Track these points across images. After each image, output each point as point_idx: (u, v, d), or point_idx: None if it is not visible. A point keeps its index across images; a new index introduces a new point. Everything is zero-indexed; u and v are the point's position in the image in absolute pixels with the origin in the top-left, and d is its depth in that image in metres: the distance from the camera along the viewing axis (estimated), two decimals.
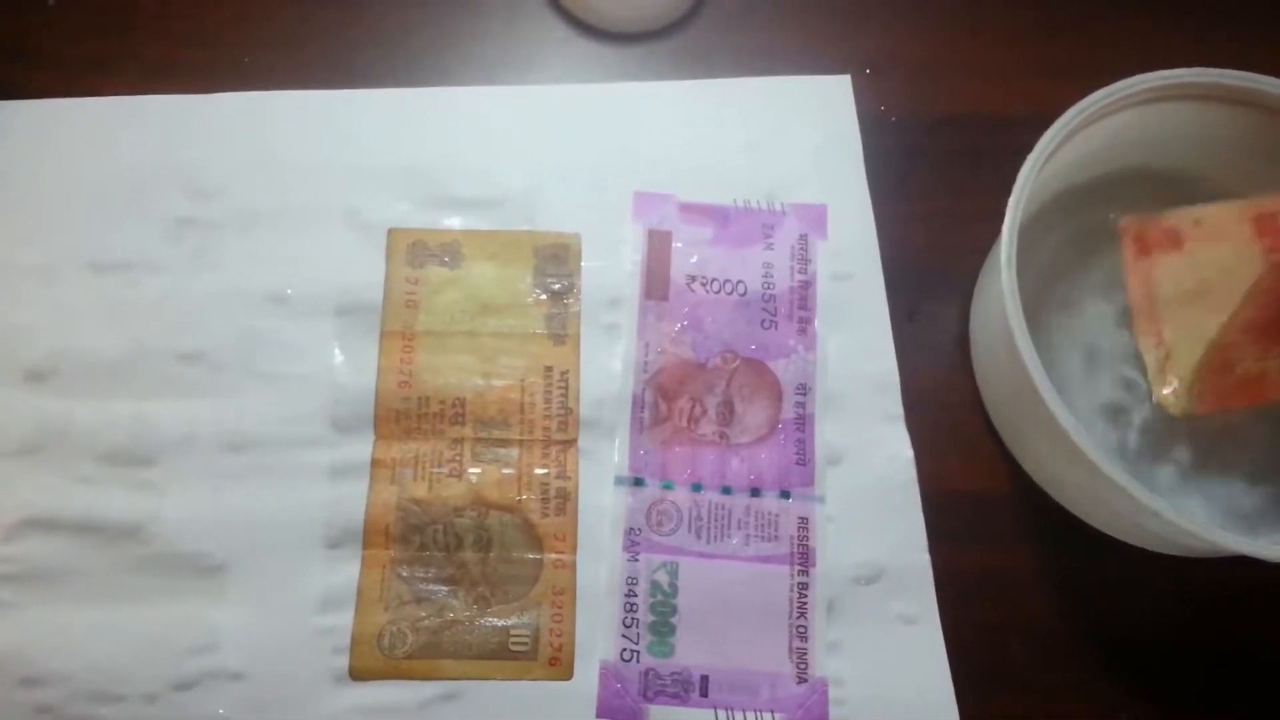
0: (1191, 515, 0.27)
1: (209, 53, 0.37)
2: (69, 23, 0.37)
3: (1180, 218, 0.32)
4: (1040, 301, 0.34)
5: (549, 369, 0.33)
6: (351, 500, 0.31)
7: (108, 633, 0.29)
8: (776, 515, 0.32)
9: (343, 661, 0.29)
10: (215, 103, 0.36)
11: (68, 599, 0.30)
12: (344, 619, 0.30)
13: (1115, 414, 0.33)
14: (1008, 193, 0.31)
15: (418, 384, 0.32)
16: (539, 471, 0.32)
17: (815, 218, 0.35)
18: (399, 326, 0.33)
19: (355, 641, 0.29)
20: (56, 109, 0.35)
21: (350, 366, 0.32)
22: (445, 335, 0.33)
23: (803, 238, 0.35)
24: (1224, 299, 0.31)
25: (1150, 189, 0.34)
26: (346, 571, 0.30)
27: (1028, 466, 0.33)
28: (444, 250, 0.34)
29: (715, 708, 0.30)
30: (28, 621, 0.29)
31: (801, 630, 0.31)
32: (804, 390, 0.33)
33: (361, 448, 0.32)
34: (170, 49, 0.37)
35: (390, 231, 0.34)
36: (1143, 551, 0.32)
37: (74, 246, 0.33)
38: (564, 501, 0.31)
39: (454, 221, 0.35)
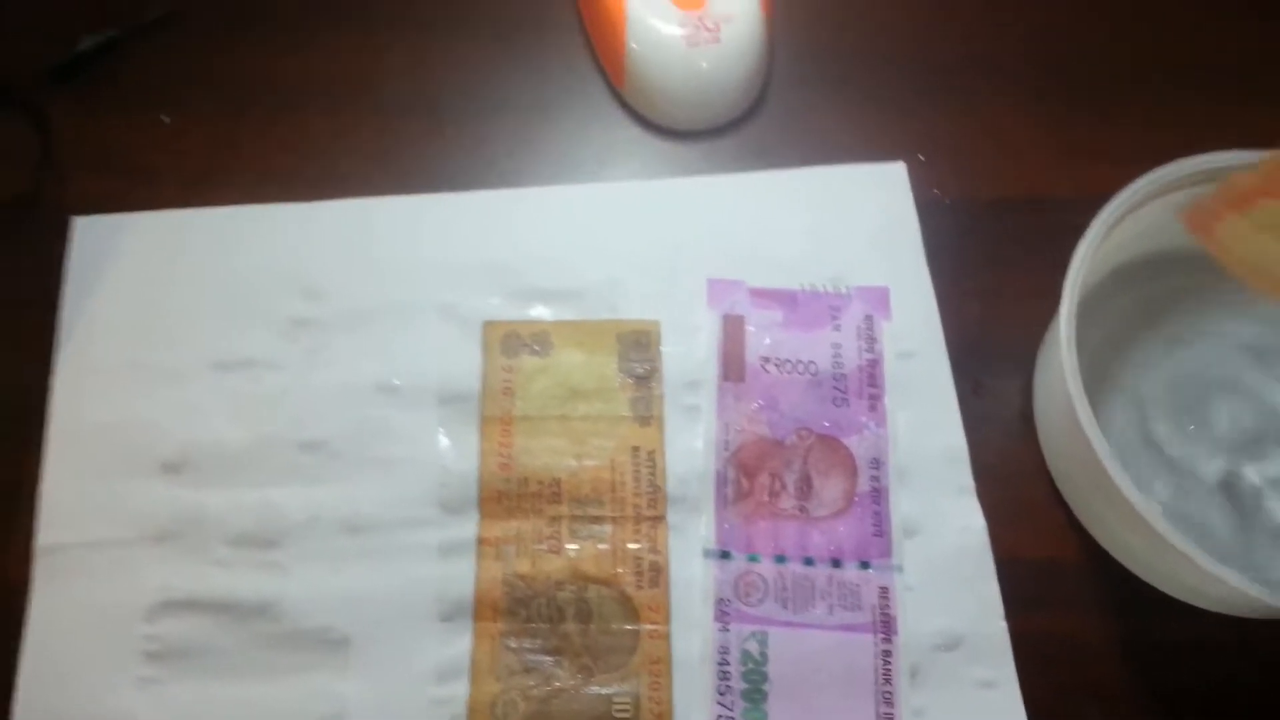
0: (1252, 581, 0.29)
1: (309, 164, 0.41)
2: (183, 139, 0.41)
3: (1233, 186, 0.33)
4: (1105, 368, 0.36)
5: (636, 449, 0.36)
6: (460, 576, 0.34)
7: (246, 706, 0.32)
8: (858, 585, 0.34)
9: None
10: (320, 210, 0.40)
11: (208, 675, 0.33)
12: (458, 689, 0.33)
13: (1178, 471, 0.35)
14: (1062, 269, 0.34)
15: (517, 466, 0.36)
16: (631, 546, 0.35)
17: (878, 299, 0.38)
18: (497, 412, 0.36)
19: (471, 710, 0.32)
20: (177, 219, 0.39)
21: (454, 451, 0.36)
22: (539, 420, 0.36)
23: (868, 318, 0.38)
24: None
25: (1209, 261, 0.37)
26: (459, 644, 0.33)
27: (1095, 533, 0.35)
28: (534, 340, 0.38)
29: None
30: (172, 696, 0.33)
31: (887, 695, 0.33)
32: (877, 464, 0.36)
33: (467, 527, 0.35)
34: (274, 161, 0.41)
35: (485, 324, 0.38)
36: (1212, 614, 0.34)
37: (199, 347, 0.37)
38: (656, 574, 0.34)
39: (541, 312, 0.38)
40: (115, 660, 0.33)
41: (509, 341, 0.38)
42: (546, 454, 0.36)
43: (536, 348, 0.38)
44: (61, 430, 0.36)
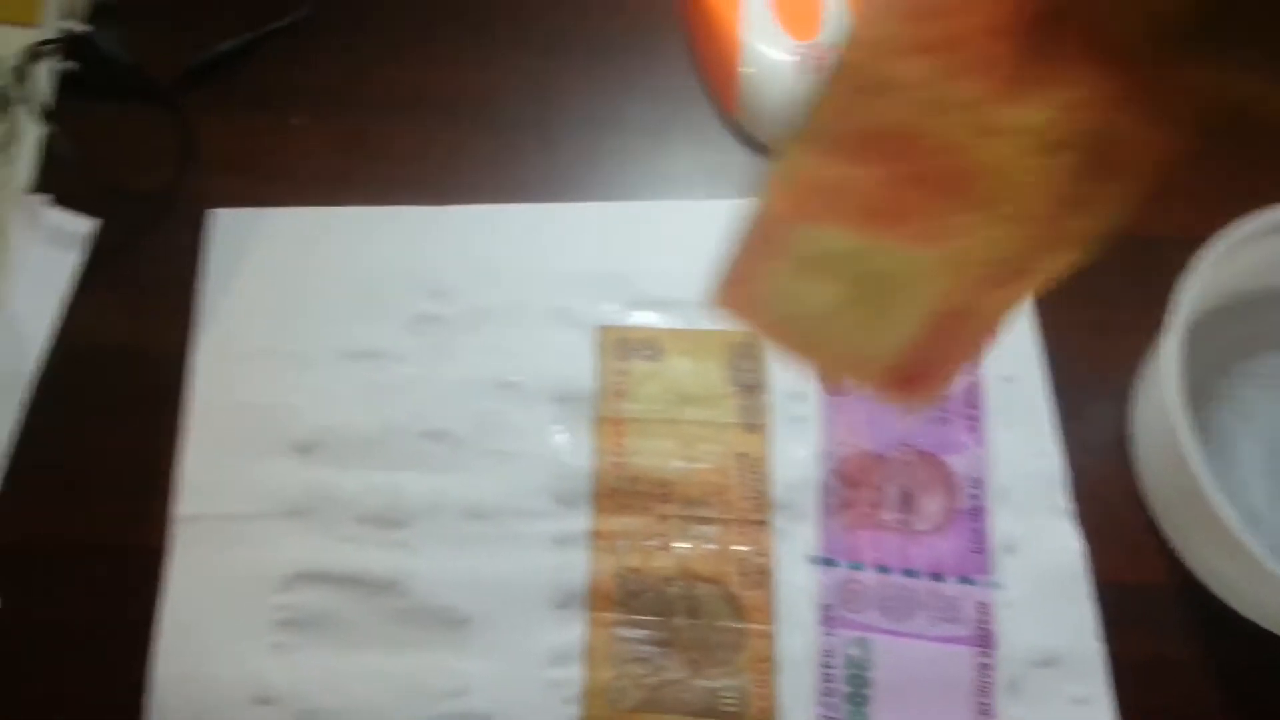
0: None
1: (430, 171, 0.43)
2: (311, 141, 0.44)
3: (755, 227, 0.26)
4: (1203, 400, 0.37)
5: (742, 455, 0.38)
6: (573, 566, 0.36)
7: (373, 675, 0.34)
8: (957, 599, 0.35)
9: (573, 711, 0.34)
10: (446, 214, 0.42)
11: (337, 645, 0.35)
12: (572, 673, 0.34)
13: None
14: (1160, 306, 0.35)
15: (629, 465, 0.37)
16: (737, 548, 0.36)
17: None
18: (610, 413, 0.38)
19: (588, 693, 0.34)
20: (311, 216, 0.42)
21: (569, 447, 0.38)
22: (650, 422, 0.38)
23: None
24: None
25: None
26: (572, 630, 0.35)
27: (1190, 560, 0.36)
28: (645, 345, 0.40)
29: None
30: (303, 662, 0.34)
31: (985, 706, 0.34)
32: (977, 484, 0.37)
33: (580, 520, 0.37)
34: (396, 168, 0.43)
35: (600, 329, 0.40)
36: None
37: (330, 337, 0.40)
38: (762, 577, 0.36)
39: (652, 319, 0.40)
40: (249, 627, 0.35)
41: (621, 346, 0.40)
42: (656, 455, 0.38)
43: (648, 353, 0.40)
44: (201, 408, 0.39)
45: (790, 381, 0.39)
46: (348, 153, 0.44)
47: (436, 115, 0.45)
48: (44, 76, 0.41)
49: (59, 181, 0.42)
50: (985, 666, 0.34)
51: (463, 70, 0.46)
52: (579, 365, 0.39)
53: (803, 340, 0.24)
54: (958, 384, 0.38)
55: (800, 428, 0.38)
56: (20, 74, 0.41)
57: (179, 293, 0.41)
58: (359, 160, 0.44)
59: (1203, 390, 0.38)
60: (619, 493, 0.37)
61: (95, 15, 0.45)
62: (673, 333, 0.40)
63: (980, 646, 0.35)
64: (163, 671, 0.35)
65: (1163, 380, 0.34)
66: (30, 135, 0.41)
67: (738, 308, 0.25)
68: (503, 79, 0.45)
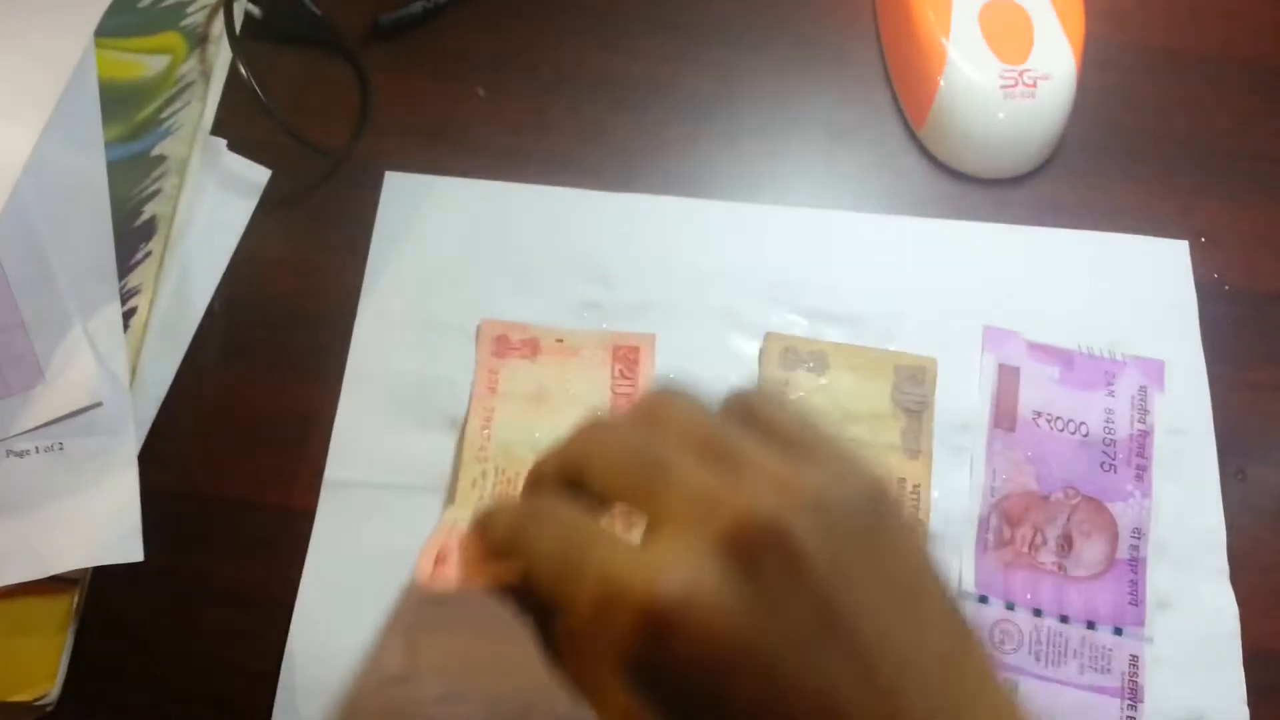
0: None
1: (609, 156, 0.43)
2: (494, 115, 0.44)
3: None
4: None
5: (902, 480, 0.38)
6: None
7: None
8: (1110, 650, 0.35)
9: None
10: (618, 201, 0.42)
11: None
12: None
13: None
14: None
15: None
16: None
17: (1154, 372, 0.39)
18: None
19: None
20: (485, 189, 0.42)
21: None
22: None
23: (1142, 389, 0.39)
24: None
25: None
26: None
27: None
28: (812, 358, 0.40)
29: None
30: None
31: None
32: (1139, 534, 0.37)
33: None
34: (576, 149, 0.43)
35: (768, 335, 0.40)
36: None
37: (494, 312, 0.40)
38: None
39: (821, 332, 0.40)
40: (390, 599, 0.36)
41: (787, 356, 0.40)
42: None
43: (812, 365, 0.40)
44: (358, 373, 0.39)
45: (956, 411, 0.39)
46: (526, 128, 0.44)
47: (619, 99, 0.45)
48: (236, 18, 0.41)
49: (238, 127, 0.42)
50: (1132, 719, 0.35)
51: (649, 56, 0.46)
52: (740, 370, 0.39)
53: None
54: (1128, 431, 0.38)
55: (962, 459, 0.38)
56: (214, 13, 0.41)
57: (347, 251, 0.41)
58: (536, 136, 0.44)
59: None
60: None
61: None
62: (840, 347, 0.40)
63: (1129, 699, 0.35)
64: (298, 639, 0.35)
65: None
66: (219, 76, 0.42)
67: None
68: (689, 69, 0.45)
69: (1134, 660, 0.35)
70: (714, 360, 0.39)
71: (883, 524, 0.20)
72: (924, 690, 0.19)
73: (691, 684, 0.19)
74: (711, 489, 0.20)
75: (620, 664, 0.19)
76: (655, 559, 0.19)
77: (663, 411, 0.23)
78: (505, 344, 0.40)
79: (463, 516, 0.35)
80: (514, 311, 0.40)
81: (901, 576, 0.20)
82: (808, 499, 0.19)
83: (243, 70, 0.39)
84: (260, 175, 0.41)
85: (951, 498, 0.38)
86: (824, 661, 0.19)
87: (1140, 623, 0.36)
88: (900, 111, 0.44)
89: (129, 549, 0.34)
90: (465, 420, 0.38)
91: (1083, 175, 0.44)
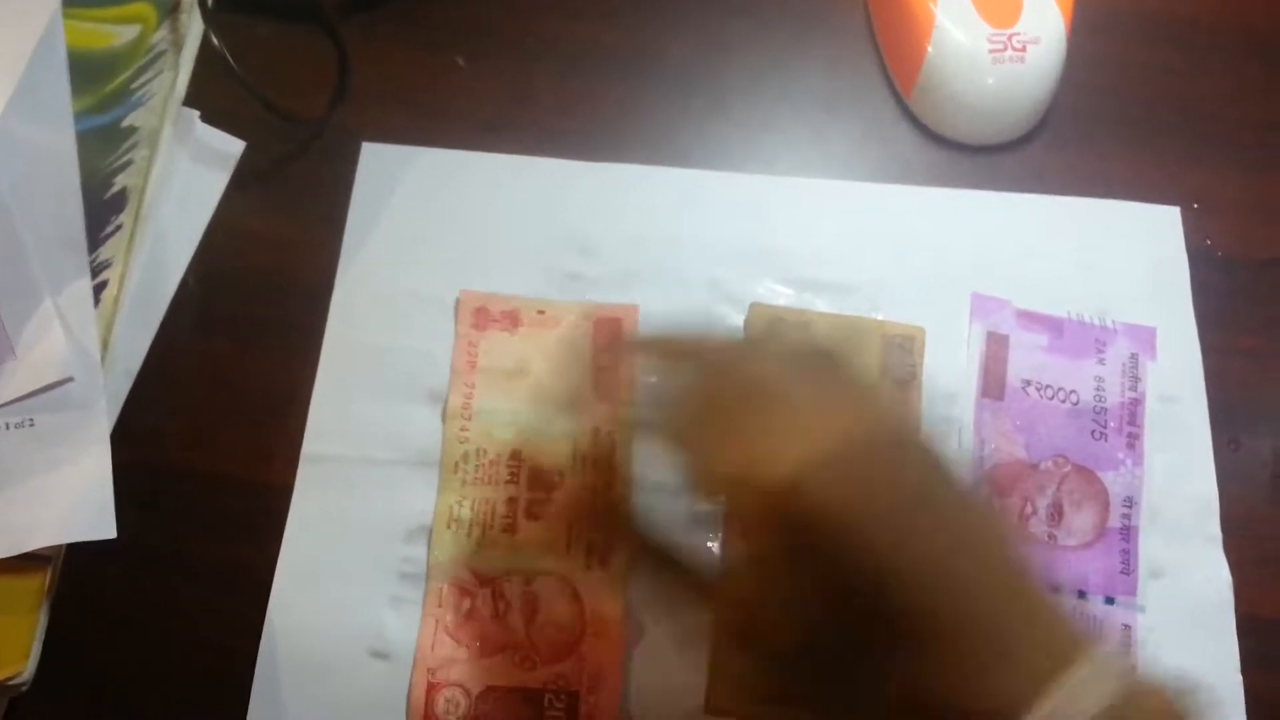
0: None
1: (594, 127, 0.43)
2: (476, 85, 0.43)
3: None
4: None
5: None
6: (708, 550, 0.36)
7: None
8: (1101, 619, 0.35)
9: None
10: (602, 171, 0.41)
11: None
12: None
13: None
14: None
15: None
16: None
17: (1145, 339, 0.39)
18: None
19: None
20: (465, 160, 0.42)
21: None
22: None
23: (1133, 356, 0.39)
24: None
25: None
26: None
27: None
28: (798, 328, 0.39)
29: None
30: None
31: None
32: (1130, 503, 0.37)
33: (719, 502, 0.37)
34: (561, 120, 0.43)
35: (752, 305, 0.39)
36: None
37: (473, 285, 0.39)
38: None
39: (808, 302, 0.40)
40: (370, 575, 0.36)
41: (774, 326, 0.39)
42: None
43: (799, 334, 0.39)
44: (335, 347, 0.39)
45: (944, 381, 0.39)
46: (509, 99, 0.44)
47: (604, 68, 0.44)
48: None
49: (211, 97, 0.41)
50: None
51: (636, 25, 0.45)
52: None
53: None
54: (1119, 398, 0.38)
55: (951, 428, 0.38)
56: None
57: (324, 224, 0.41)
58: (520, 107, 0.43)
59: None
60: None
61: None
62: (826, 317, 0.39)
63: None
64: (277, 616, 0.35)
65: None
66: (191, 45, 0.41)
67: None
68: (676, 37, 0.45)
69: (1126, 629, 0.35)
70: (699, 329, 0.39)
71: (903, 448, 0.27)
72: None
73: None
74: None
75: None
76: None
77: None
78: (485, 316, 0.39)
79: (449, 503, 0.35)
80: (494, 283, 0.40)
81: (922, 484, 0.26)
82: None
83: (215, 40, 0.39)
84: (235, 147, 0.41)
85: None
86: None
87: (1132, 592, 0.36)
88: (889, 79, 0.44)
89: (101, 526, 0.33)
90: (446, 399, 0.38)
91: (1073, 141, 0.43)
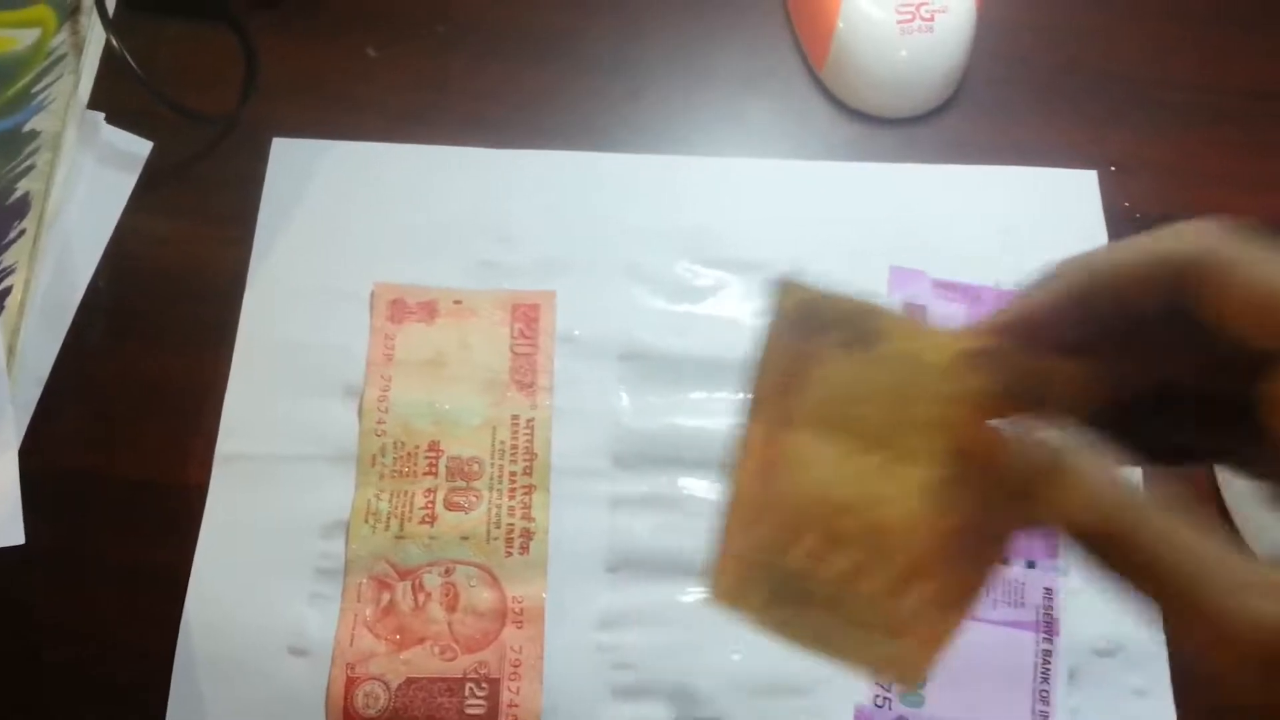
0: None
1: (513, 113, 0.43)
2: (389, 76, 0.44)
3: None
4: None
5: None
6: (630, 530, 0.36)
7: None
8: (1023, 584, 0.36)
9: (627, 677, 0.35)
10: (519, 158, 0.42)
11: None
12: (623, 637, 0.35)
13: None
14: None
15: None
16: None
17: None
18: None
19: None
20: (378, 151, 0.42)
21: (632, 408, 0.38)
22: None
23: None
24: None
25: None
26: (624, 594, 0.36)
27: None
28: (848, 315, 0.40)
29: None
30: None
31: (1044, 694, 0.35)
32: None
33: (639, 484, 0.37)
34: (478, 107, 0.43)
35: (672, 286, 0.40)
36: None
37: (388, 278, 0.40)
38: None
39: (727, 279, 0.40)
40: (287, 572, 0.36)
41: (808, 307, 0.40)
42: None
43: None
44: (248, 345, 0.39)
45: None
46: (423, 88, 0.44)
47: (520, 56, 0.45)
48: None
49: (118, 99, 0.42)
50: (1047, 653, 0.35)
51: (551, 9, 0.46)
52: (646, 323, 0.39)
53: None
54: None
55: None
56: None
57: (235, 221, 0.41)
58: (435, 96, 0.44)
59: None
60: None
61: None
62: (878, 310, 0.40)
63: (1043, 633, 0.35)
64: (194, 616, 0.35)
65: None
66: (94, 48, 0.41)
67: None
68: (592, 22, 0.45)
69: (1048, 594, 0.36)
70: (618, 314, 0.39)
71: None
72: None
73: None
74: None
75: None
76: None
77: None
78: (401, 308, 0.40)
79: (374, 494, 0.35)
80: (411, 275, 0.40)
81: None
82: None
83: (114, 41, 0.39)
84: (142, 147, 0.41)
85: None
86: None
87: (1053, 555, 0.36)
88: (804, 56, 0.45)
89: (9, 532, 0.34)
90: (362, 393, 0.38)
91: (989, 110, 0.44)
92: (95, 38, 0.41)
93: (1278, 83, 0.45)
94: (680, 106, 0.44)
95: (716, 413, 0.38)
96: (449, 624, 0.35)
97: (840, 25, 0.41)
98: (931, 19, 0.41)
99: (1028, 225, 0.41)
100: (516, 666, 0.35)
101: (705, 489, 0.37)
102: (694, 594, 0.36)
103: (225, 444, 0.37)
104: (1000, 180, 0.42)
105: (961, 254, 0.41)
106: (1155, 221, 0.40)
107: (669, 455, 0.37)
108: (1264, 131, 0.44)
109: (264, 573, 0.36)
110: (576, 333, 0.39)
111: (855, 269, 0.40)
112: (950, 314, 0.39)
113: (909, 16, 0.41)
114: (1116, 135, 0.43)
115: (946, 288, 0.40)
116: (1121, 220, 0.42)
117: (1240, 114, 0.44)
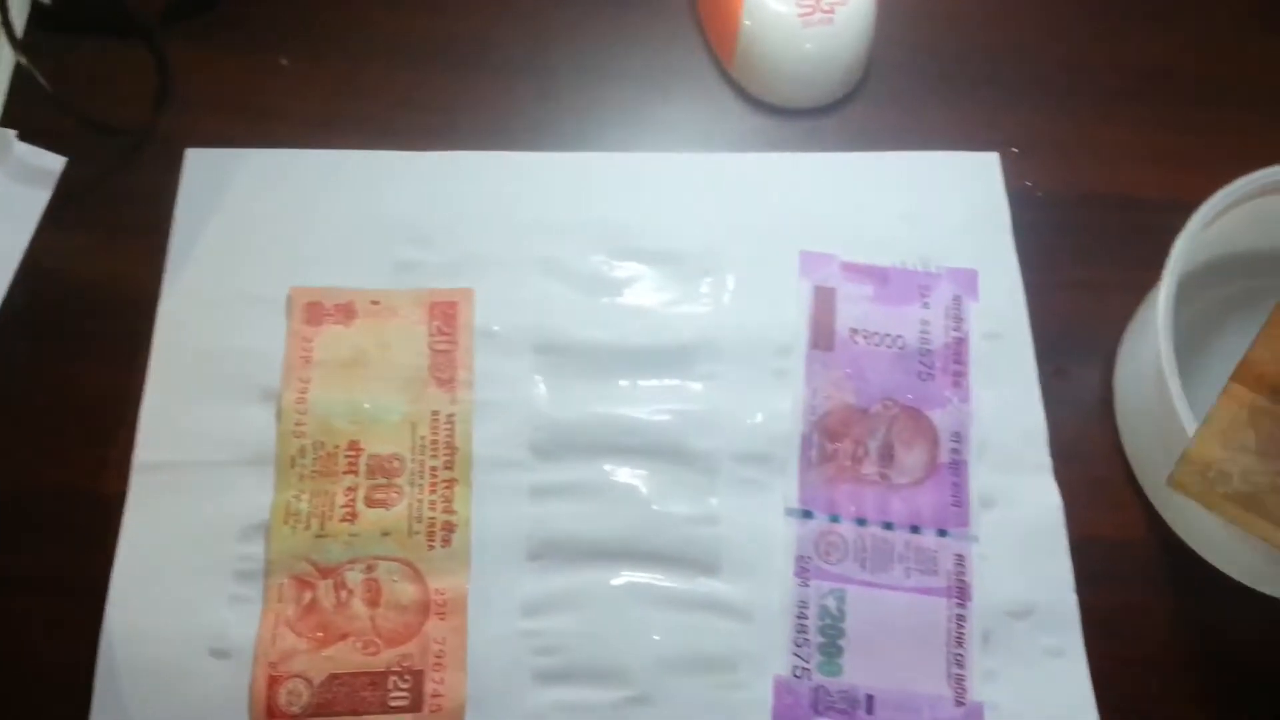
0: None
1: (426, 117, 0.44)
2: (303, 85, 0.45)
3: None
4: (1185, 360, 0.39)
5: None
6: (553, 519, 0.37)
7: None
8: (935, 552, 0.37)
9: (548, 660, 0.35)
10: (432, 160, 0.43)
11: None
12: (548, 623, 0.36)
13: None
14: (1144, 266, 0.37)
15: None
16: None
17: (967, 281, 0.41)
18: None
19: None
20: (291, 158, 0.43)
21: (550, 399, 0.39)
22: None
23: (956, 298, 0.41)
24: None
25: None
26: (549, 582, 0.36)
27: (1167, 516, 0.38)
28: None
29: None
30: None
31: (959, 658, 0.35)
32: (959, 438, 0.38)
33: (560, 472, 0.38)
34: (392, 112, 0.44)
35: (588, 279, 0.41)
36: (1274, 599, 0.37)
37: (305, 282, 0.40)
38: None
39: (642, 272, 0.41)
40: (207, 577, 0.36)
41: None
42: None
43: None
44: (164, 352, 0.39)
45: (776, 336, 0.40)
46: (336, 96, 0.45)
47: (433, 62, 0.46)
48: (18, 5, 0.42)
49: (31, 115, 0.42)
50: (960, 618, 0.36)
51: (461, 15, 0.47)
52: (563, 315, 0.40)
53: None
54: (943, 340, 0.40)
55: (782, 381, 0.39)
56: None
57: (152, 234, 0.41)
58: (348, 103, 0.45)
59: (1184, 352, 0.40)
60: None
61: None
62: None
63: (956, 598, 0.36)
64: (114, 624, 0.35)
65: (1157, 335, 0.35)
66: (4, 66, 0.42)
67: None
68: (501, 24, 0.46)
69: (960, 559, 0.37)
70: (535, 309, 0.40)
71: None
72: None
73: None
74: None
75: None
76: None
77: None
78: (319, 311, 0.40)
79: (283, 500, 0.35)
80: (329, 278, 0.41)
81: None
82: None
83: (20, 58, 0.40)
84: (54, 163, 0.41)
85: (775, 420, 0.39)
86: None
87: (964, 523, 0.37)
88: (711, 52, 0.46)
89: None
90: (280, 396, 0.39)
91: (894, 97, 0.45)
92: (5, 55, 0.42)
93: (1172, 59, 0.47)
94: (593, 106, 0.45)
95: (639, 400, 0.39)
96: (372, 619, 0.36)
97: (745, 22, 0.43)
98: (832, 11, 0.42)
99: (933, 207, 0.43)
100: (440, 657, 0.35)
101: (628, 474, 0.38)
102: (619, 578, 0.36)
103: (143, 453, 0.38)
104: (905, 165, 0.43)
105: (869, 237, 0.42)
106: (1057, 200, 0.43)
107: (591, 443, 0.38)
108: (1161, 108, 0.46)
109: (184, 578, 0.36)
110: (495, 328, 0.40)
111: (767, 255, 0.41)
112: (859, 294, 0.41)
113: (810, 9, 0.42)
114: (1017, 117, 0.45)
115: (855, 270, 0.41)
116: (1024, 199, 0.43)
117: (1137, 91, 0.46)
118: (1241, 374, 0.34)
